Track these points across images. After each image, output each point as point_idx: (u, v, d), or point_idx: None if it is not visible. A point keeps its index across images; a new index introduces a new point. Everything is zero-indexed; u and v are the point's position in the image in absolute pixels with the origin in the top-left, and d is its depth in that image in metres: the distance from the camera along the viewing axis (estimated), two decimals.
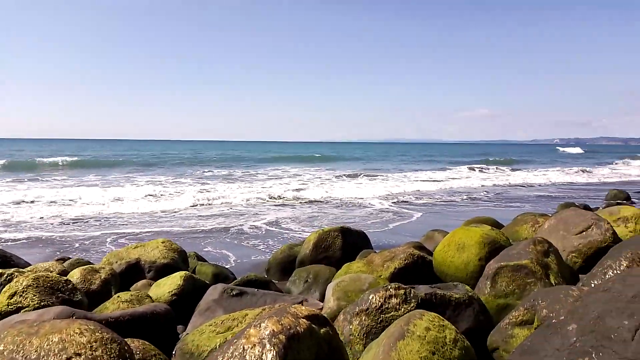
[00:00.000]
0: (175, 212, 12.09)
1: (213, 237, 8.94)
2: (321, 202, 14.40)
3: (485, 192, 17.69)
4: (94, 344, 2.33)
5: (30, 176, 22.48)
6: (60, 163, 31.55)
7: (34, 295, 3.74)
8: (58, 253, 7.54)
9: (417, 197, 15.71)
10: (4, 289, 3.81)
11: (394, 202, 14.30)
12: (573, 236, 4.71)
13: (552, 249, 4.04)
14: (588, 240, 4.57)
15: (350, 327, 3.11)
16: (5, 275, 4.26)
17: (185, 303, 4.33)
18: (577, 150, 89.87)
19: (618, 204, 11.63)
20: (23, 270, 4.75)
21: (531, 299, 3.06)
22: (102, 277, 4.71)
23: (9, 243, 8.27)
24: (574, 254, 4.57)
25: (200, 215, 11.55)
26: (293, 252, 6.30)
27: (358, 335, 3.06)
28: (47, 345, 2.22)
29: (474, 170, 30.42)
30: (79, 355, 2.23)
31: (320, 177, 23.83)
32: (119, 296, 4.14)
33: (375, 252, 5.61)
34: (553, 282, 3.70)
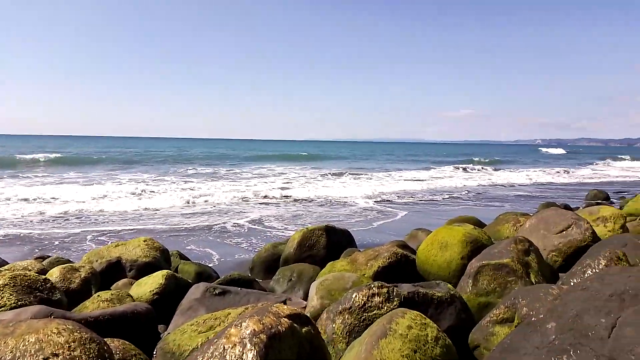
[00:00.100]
0: (157, 210, 11.96)
1: (196, 236, 8.86)
2: (305, 200, 14.38)
3: (468, 192, 17.86)
4: (72, 344, 2.29)
5: (10, 173, 22.04)
6: (41, 160, 30.98)
7: (11, 295, 3.66)
8: (37, 251, 7.40)
9: (401, 196, 15.80)
10: None
11: (378, 201, 14.35)
12: (553, 235, 4.79)
13: (533, 248, 4.10)
14: (568, 240, 4.65)
15: (334, 325, 3.11)
16: None
17: (167, 302, 4.28)
18: (559, 151, 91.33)
19: (598, 204, 11.87)
20: (0, 269, 4.65)
21: (512, 297, 3.10)
22: (82, 276, 4.63)
23: None
24: (554, 253, 4.65)
25: (184, 214, 11.45)
26: (277, 250, 6.28)
27: (341, 333, 3.06)
28: (23, 345, 2.17)
29: (458, 169, 30.71)
30: (57, 355, 2.19)
31: (305, 176, 23.80)
32: (99, 295, 4.08)
33: (359, 250, 5.63)
34: (533, 280, 3.75)
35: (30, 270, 4.75)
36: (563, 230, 4.77)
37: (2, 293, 3.64)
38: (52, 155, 33.52)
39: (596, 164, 44.30)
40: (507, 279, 3.73)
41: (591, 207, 6.22)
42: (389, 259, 4.70)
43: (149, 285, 4.40)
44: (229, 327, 2.10)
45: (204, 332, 3.12)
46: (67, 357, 2.18)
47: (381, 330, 2.58)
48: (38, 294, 3.85)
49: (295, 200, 14.38)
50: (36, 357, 2.14)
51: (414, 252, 5.25)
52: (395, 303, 3.18)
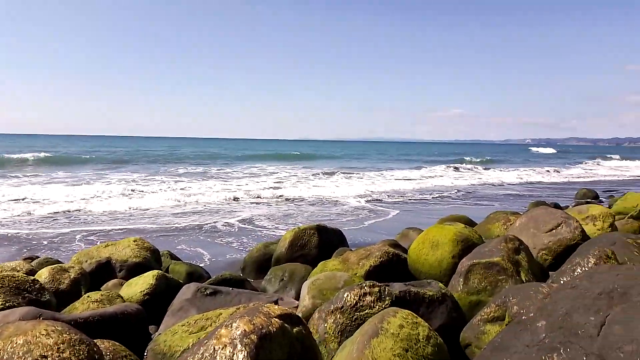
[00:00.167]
0: (148, 209, 11.88)
1: (187, 235, 8.82)
2: (297, 199, 14.37)
3: (459, 191, 17.96)
4: (61, 345, 2.26)
5: None
6: (30, 159, 30.63)
7: None
8: (25, 251, 7.32)
9: (392, 196, 15.84)
10: None
11: (370, 200, 14.38)
12: (543, 234, 4.82)
13: (523, 247, 4.12)
14: (558, 238, 4.68)
15: (325, 325, 3.11)
16: None
17: (157, 303, 4.25)
18: (550, 150, 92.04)
19: (587, 202, 11.98)
20: None
21: (502, 295, 3.12)
22: (72, 277, 4.59)
23: None
24: (544, 252, 4.68)
25: (174, 213, 11.39)
26: (269, 250, 6.27)
27: (333, 333, 3.06)
28: (10, 347, 2.15)
29: (449, 169, 30.85)
30: (45, 357, 2.17)
31: (296, 175, 23.78)
32: (88, 296, 4.05)
33: (351, 250, 5.63)
34: (524, 279, 3.77)
35: (18, 271, 4.69)
36: (553, 229, 4.81)
37: None
38: (41, 155, 33.17)
39: (586, 163, 44.74)
40: (498, 278, 3.75)
41: (580, 206, 6.28)
42: (380, 258, 4.71)
43: (139, 285, 4.37)
44: (220, 327, 2.08)
45: (195, 333, 3.11)
46: (56, 358, 2.16)
47: (373, 330, 2.59)
48: (26, 295, 3.81)
49: (287, 199, 14.36)
50: (24, 359, 2.11)
51: (405, 251, 5.27)
52: (386, 302, 3.18)
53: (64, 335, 2.30)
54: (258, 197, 14.49)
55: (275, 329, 2.10)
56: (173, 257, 6.30)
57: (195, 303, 3.87)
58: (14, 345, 2.16)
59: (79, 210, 11.33)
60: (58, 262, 5.59)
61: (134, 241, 5.54)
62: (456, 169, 30.95)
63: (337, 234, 6.43)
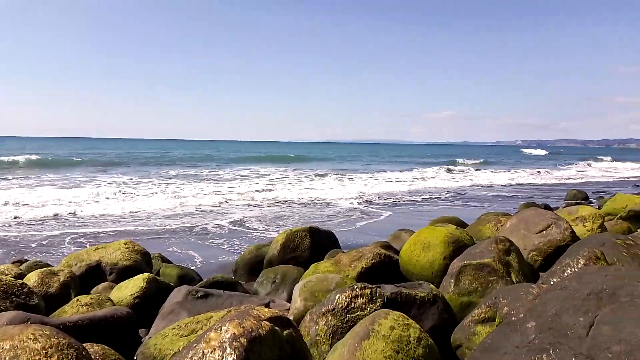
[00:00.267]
0: (138, 211, 11.80)
1: (178, 237, 8.77)
2: (289, 201, 14.35)
3: (451, 192, 18.03)
4: (49, 350, 2.23)
5: None
6: (21, 161, 30.31)
7: None
8: (13, 254, 7.24)
9: (385, 197, 15.87)
10: None
11: (362, 202, 14.40)
12: (533, 235, 4.85)
13: (514, 248, 4.15)
14: (548, 239, 4.71)
15: (317, 327, 3.10)
16: None
17: (148, 306, 4.22)
18: (541, 152, 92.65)
19: (577, 203, 12.08)
20: None
21: (493, 296, 3.13)
22: (61, 280, 4.54)
23: None
24: (534, 253, 4.71)
25: (165, 215, 11.33)
26: (261, 252, 6.25)
27: (324, 335, 3.05)
28: None
29: (442, 170, 30.96)
30: None
31: (288, 177, 23.75)
32: (78, 299, 4.01)
33: (343, 251, 5.63)
34: (514, 280, 3.79)
35: (6, 275, 4.64)
36: (543, 230, 4.84)
37: None
38: (32, 157, 32.84)
39: (576, 164, 45.11)
40: (489, 279, 3.76)
41: (570, 207, 6.33)
42: (372, 259, 4.71)
43: (129, 288, 4.34)
44: (209, 331, 2.07)
45: (185, 336, 3.08)
46: None
47: (364, 332, 2.58)
48: (14, 299, 3.76)
49: (279, 201, 14.34)
50: None
51: (397, 252, 5.27)
52: (378, 304, 3.18)
53: (52, 340, 2.28)
54: (249, 199, 14.44)
55: (265, 332, 2.09)
56: (164, 259, 6.26)
57: (186, 306, 3.84)
58: (1, 350, 2.13)
59: (69, 213, 11.23)
60: (47, 265, 5.53)
61: (124, 244, 5.50)
62: (449, 170, 31.07)
63: (329, 235, 6.43)
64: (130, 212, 11.72)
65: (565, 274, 3.37)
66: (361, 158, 53.52)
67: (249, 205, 13.39)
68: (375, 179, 23.23)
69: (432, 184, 21.18)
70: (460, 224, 7.18)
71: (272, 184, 19.38)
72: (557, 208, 10.33)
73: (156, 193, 15.19)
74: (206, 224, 10.16)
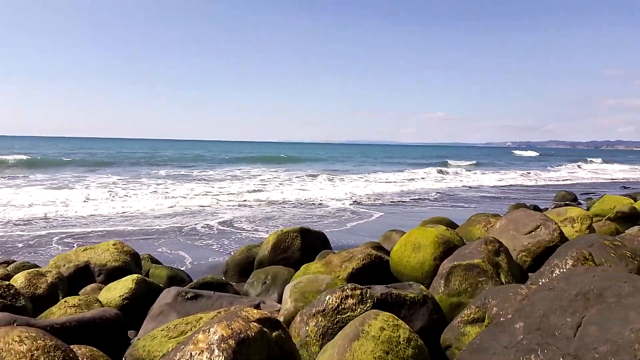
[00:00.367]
0: (128, 211, 11.71)
1: (168, 238, 8.71)
2: (280, 202, 14.32)
3: (442, 194, 18.11)
4: (35, 352, 2.21)
5: None
6: (10, 161, 29.94)
7: None
8: (0, 255, 7.14)
9: (376, 198, 15.90)
10: None
11: (353, 202, 14.41)
12: (523, 236, 4.89)
13: (503, 249, 4.17)
14: (537, 240, 4.75)
15: (307, 328, 3.09)
16: None
17: (137, 307, 4.18)
18: (532, 153, 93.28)
19: (566, 205, 12.20)
20: None
21: (482, 297, 3.14)
22: (49, 281, 4.49)
23: None
24: (523, 253, 4.74)
25: (155, 215, 11.26)
26: (252, 253, 6.23)
27: (314, 336, 3.05)
28: None
29: (433, 172, 31.06)
30: None
31: (279, 177, 23.72)
32: (66, 301, 3.97)
33: (334, 252, 5.63)
34: (503, 280, 3.81)
35: None
36: (532, 231, 4.87)
37: None
38: (20, 157, 32.46)
39: (566, 165, 45.51)
40: (478, 279, 3.78)
41: (559, 208, 6.38)
42: (363, 260, 4.71)
43: (118, 290, 4.30)
44: (197, 332, 2.05)
45: (174, 338, 3.06)
46: None
47: (354, 333, 2.58)
48: (1, 300, 3.72)
49: (270, 201, 14.30)
50: None
51: (388, 253, 5.28)
52: (368, 305, 3.18)
53: (38, 342, 2.25)
54: (240, 200, 14.39)
55: (253, 334, 2.07)
56: (154, 260, 6.21)
57: (176, 307, 3.82)
58: None
59: (57, 213, 11.11)
60: (35, 266, 5.46)
61: (113, 245, 5.45)
62: (441, 171, 31.18)
63: (320, 236, 6.42)
64: (119, 212, 11.63)
65: (554, 274, 3.40)
66: (353, 159, 53.59)
67: (239, 205, 13.34)
68: (366, 180, 23.26)
69: (423, 185, 21.27)
70: (451, 225, 7.21)
71: (263, 185, 19.33)
72: (547, 209, 10.42)
73: (146, 193, 15.09)
74: (196, 224, 10.12)
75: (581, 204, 13.61)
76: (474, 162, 48.91)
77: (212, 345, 1.95)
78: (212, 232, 9.37)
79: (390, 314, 2.82)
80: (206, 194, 15.02)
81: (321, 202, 14.43)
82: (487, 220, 6.22)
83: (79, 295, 4.50)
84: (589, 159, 59.32)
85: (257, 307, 3.93)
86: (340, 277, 4.49)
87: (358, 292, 3.24)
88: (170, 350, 2.82)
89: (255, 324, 2.13)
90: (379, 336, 2.56)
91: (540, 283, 3.38)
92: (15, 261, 5.89)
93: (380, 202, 14.92)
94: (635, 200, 8.79)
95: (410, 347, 2.60)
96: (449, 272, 3.89)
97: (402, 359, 2.53)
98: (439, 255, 4.55)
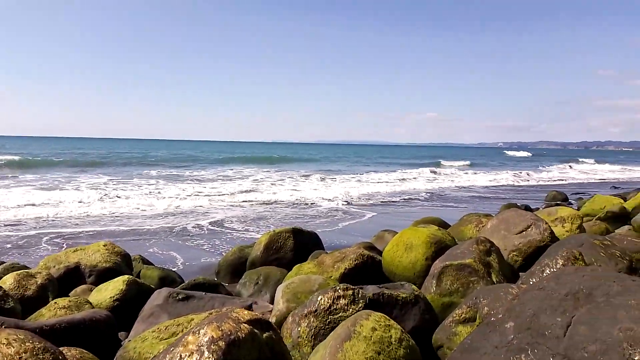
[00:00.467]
0: (118, 211, 11.64)
1: (159, 238, 8.67)
2: (272, 202, 14.30)
3: (435, 194, 18.18)
4: (23, 354, 2.18)
5: None
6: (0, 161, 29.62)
7: None
8: None
9: (369, 198, 15.93)
10: None
11: (346, 203, 14.43)
12: (514, 235, 4.92)
13: (494, 248, 4.19)
14: (527, 240, 4.78)
15: (299, 329, 3.09)
16: None
17: (128, 309, 4.15)
18: (524, 154, 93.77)
19: (557, 204, 12.29)
20: None
21: (473, 297, 3.16)
22: (39, 283, 4.45)
23: None
24: (514, 253, 4.77)
25: (146, 216, 11.19)
26: (244, 253, 6.21)
27: (306, 337, 3.05)
28: None
29: (425, 172, 31.14)
30: None
31: (272, 178, 23.68)
32: (56, 302, 3.93)
33: (326, 252, 5.63)
34: (494, 280, 3.83)
35: None
36: (523, 231, 4.90)
37: None
38: (11, 157, 32.12)
39: (558, 166, 45.84)
40: (470, 279, 3.80)
41: (550, 208, 6.43)
42: (355, 260, 4.71)
43: (109, 291, 4.27)
44: (187, 334, 2.04)
45: (165, 339, 3.04)
46: None
47: (345, 333, 2.58)
48: None
49: (262, 202, 14.27)
50: None
51: (380, 253, 5.29)
52: (360, 305, 3.18)
53: (27, 344, 2.23)
54: (232, 200, 14.34)
55: (244, 335, 2.06)
56: (145, 261, 6.17)
57: (167, 308, 3.80)
58: None
59: (47, 213, 11.00)
60: (25, 267, 5.41)
61: (103, 245, 5.40)
62: (434, 172, 31.28)
63: (312, 236, 6.42)
64: (110, 212, 11.55)
65: (544, 274, 3.42)
66: (346, 159, 53.63)
67: (231, 205, 13.30)
68: (359, 180, 23.29)
69: (416, 185, 21.33)
70: (443, 225, 7.24)
71: (255, 185, 19.29)
72: (537, 209, 10.49)
73: (137, 194, 15.00)
74: (187, 224, 10.08)
75: (572, 204, 13.72)
76: (468, 162, 49.11)
77: (201, 347, 1.94)
78: (204, 232, 9.34)
79: (382, 314, 2.83)
80: (198, 194, 14.97)
81: (314, 202, 14.43)
82: (478, 220, 6.25)
83: (69, 296, 4.46)
84: (580, 160, 59.81)
85: (249, 308, 3.92)
86: (332, 278, 4.49)
87: (350, 292, 3.24)
88: (160, 352, 2.80)
89: (245, 325, 2.12)
90: (371, 336, 2.56)
91: (531, 283, 3.40)
92: (4, 262, 5.82)
93: (373, 202, 14.95)
94: (625, 200, 8.88)
95: (402, 347, 2.61)
96: (441, 272, 3.90)
97: (394, 359, 2.53)
98: (430, 255, 4.57)
